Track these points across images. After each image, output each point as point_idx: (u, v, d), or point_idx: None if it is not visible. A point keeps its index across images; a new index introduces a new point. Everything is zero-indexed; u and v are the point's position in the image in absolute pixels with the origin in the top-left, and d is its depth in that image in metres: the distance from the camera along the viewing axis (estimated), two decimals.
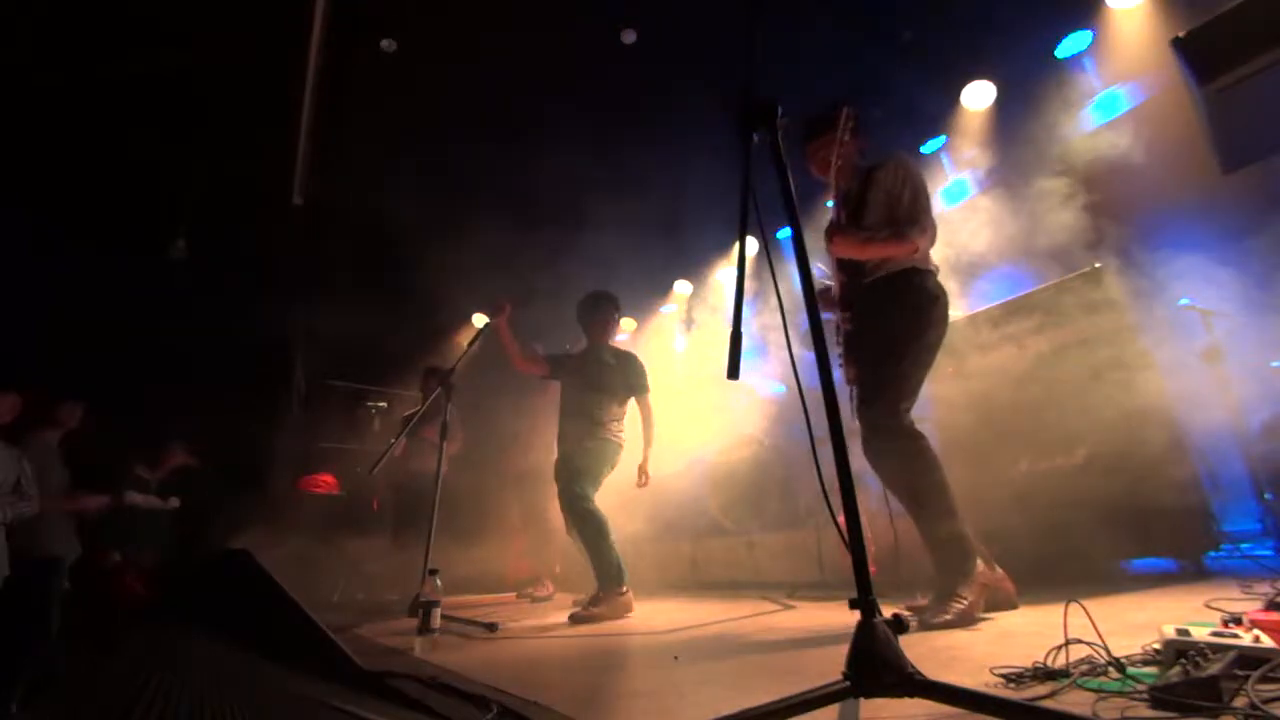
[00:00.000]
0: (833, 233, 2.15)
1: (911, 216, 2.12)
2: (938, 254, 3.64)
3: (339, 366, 6.30)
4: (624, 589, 2.95)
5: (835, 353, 2.29)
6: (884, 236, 2.11)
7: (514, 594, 4.61)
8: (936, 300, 2.14)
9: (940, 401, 3.01)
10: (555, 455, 3.46)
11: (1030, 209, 3.85)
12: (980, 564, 1.93)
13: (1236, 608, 1.40)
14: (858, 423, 2.18)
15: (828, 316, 2.38)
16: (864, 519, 1.06)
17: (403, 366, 6.21)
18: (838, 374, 2.00)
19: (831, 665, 0.98)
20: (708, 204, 4.88)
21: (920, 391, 2.13)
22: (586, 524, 3.09)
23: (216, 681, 0.80)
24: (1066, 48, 4.07)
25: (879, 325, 2.12)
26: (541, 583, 4.40)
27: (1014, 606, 1.97)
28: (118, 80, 3.92)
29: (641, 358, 3.66)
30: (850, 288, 2.23)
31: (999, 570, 2.00)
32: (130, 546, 4.00)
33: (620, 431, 3.46)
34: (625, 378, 3.51)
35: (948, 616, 1.79)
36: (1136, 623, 1.54)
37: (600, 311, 3.59)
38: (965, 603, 1.82)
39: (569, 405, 3.49)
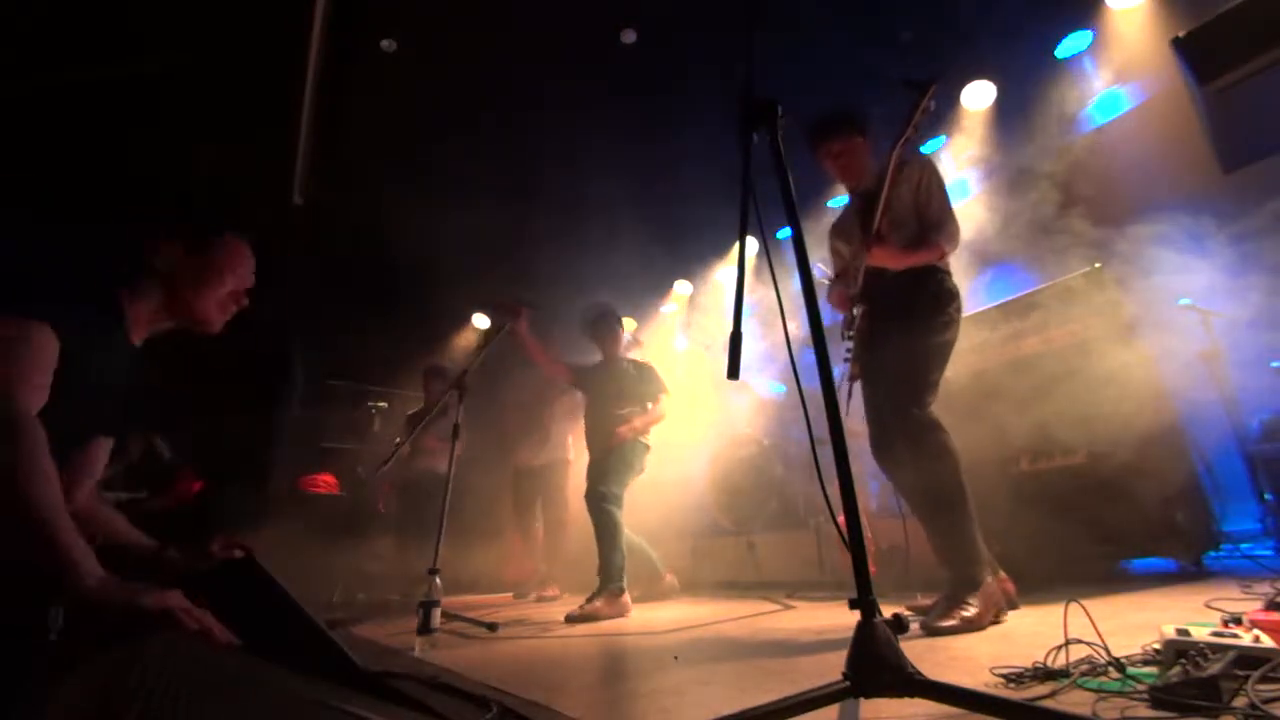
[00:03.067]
0: (873, 245, 2.10)
1: (940, 221, 2.14)
2: None
3: (339, 366, 6.31)
4: (622, 591, 3.02)
5: (844, 346, 2.28)
6: (920, 249, 2.12)
7: (510, 594, 4.62)
8: (954, 299, 2.16)
9: (939, 401, 3.01)
10: (569, 461, 3.67)
11: (1030, 209, 3.85)
12: (989, 576, 1.89)
13: (1236, 608, 1.40)
14: (860, 421, 2.17)
15: (838, 318, 2.37)
16: (864, 519, 1.06)
17: (403, 366, 6.21)
18: (838, 371, 1.98)
19: (831, 665, 0.98)
20: (708, 204, 4.88)
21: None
22: (603, 523, 3.22)
23: (215, 681, 0.80)
24: (1066, 48, 4.07)
25: (902, 324, 2.09)
26: (548, 583, 4.41)
27: (1014, 606, 1.95)
28: (118, 80, 3.92)
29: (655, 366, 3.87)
30: (869, 283, 2.20)
31: (1001, 574, 1.98)
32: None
33: (646, 435, 3.57)
34: (645, 385, 3.68)
35: (953, 623, 1.75)
36: (1136, 623, 1.54)
37: (608, 326, 3.76)
38: (973, 611, 1.79)
39: (596, 412, 3.63)
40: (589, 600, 2.92)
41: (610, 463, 3.39)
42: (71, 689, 0.71)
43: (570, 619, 2.79)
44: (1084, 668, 1.13)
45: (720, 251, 6.16)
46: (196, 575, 1.27)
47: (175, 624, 0.94)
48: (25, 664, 0.82)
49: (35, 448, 0.98)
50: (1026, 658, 1.19)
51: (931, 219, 2.15)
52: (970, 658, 1.41)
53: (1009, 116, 4.32)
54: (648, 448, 3.56)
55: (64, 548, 0.95)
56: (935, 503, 1.99)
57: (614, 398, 3.59)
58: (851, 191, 2.42)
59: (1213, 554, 2.38)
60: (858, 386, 2.27)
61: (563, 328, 3.62)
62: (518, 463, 4.87)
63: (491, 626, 2.58)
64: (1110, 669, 1.10)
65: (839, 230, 2.45)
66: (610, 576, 3.05)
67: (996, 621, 1.82)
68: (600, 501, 3.26)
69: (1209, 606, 1.61)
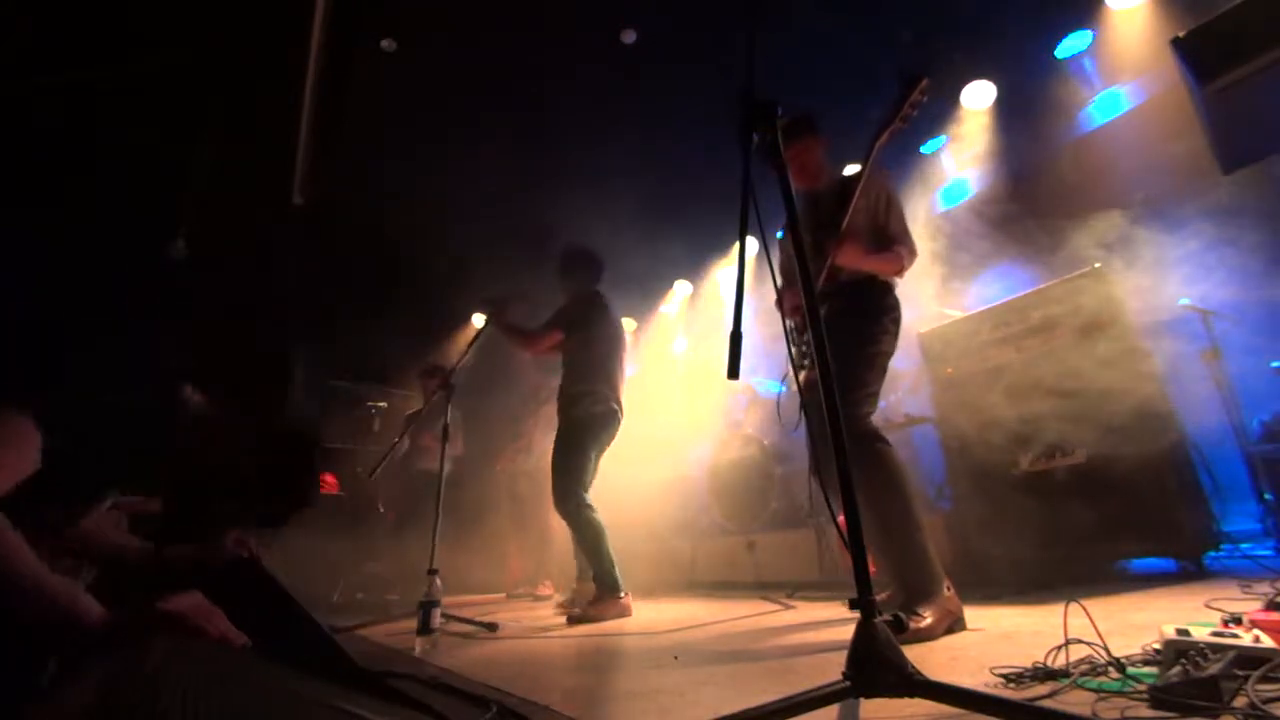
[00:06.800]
0: (844, 240, 2.06)
1: (899, 235, 2.17)
2: (927, 255, 3.62)
3: (339, 366, 6.30)
4: (622, 595, 2.92)
5: (796, 354, 2.24)
6: (883, 254, 2.13)
7: (504, 594, 4.63)
8: (892, 310, 2.18)
9: (940, 402, 3.01)
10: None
11: (1030, 208, 3.85)
12: (945, 589, 1.81)
13: (1236, 608, 1.40)
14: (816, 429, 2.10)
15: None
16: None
17: (403, 366, 6.21)
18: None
19: (831, 665, 0.98)
20: (708, 204, 4.88)
21: (880, 399, 2.11)
22: (579, 531, 2.96)
23: (217, 680, 0.80)
24: (1066, 48, 4.08)
25: (842, 329, 2.03)
26: (542, 582, 4.41)
27: (963, 627, 1.81)
28: (118, 80, 3.92)
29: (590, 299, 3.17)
30: (825, 289, 2.17)
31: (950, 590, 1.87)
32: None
33: (607, 396, 3.02)
34: (567, 318, 3.01)
35: (902, 634, 1.65)
36: (1136, 623, 1.54)
37: (567, 270, 3.18)
38: (925, 622, 1.69)
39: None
40: (590, 604, 2.87)
41: (559, 453, 3.00)
42: (77, 690, 0.71)
43: (572, 620, 2.77)
44: (1084, 668, 1.13)
45: (720, 251, 6.16)
46: (202, 575, 1.27)
47: (193, 631, 0.93)
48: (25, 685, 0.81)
49: None
50: (1026, 658, 1.19)
51: (890, 233, 2.17)
52: (970, 658, 1.42)
53: (1009, 116, 4.32)
54: (614, 414, 3.03)
55: (56, 603, 0.91)
56: (880, 516, 1.90)
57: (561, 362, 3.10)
58: (805, 191, 2.39)
59: (1213, 554, 2.38)
60: None
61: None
62: (506, 467, 4.89)
63: (492, 627, 2.58)
64: (1110, 669, 1.10)
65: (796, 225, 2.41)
66: (605, 585, 2.90)
67: (950, 632, 1.75)
68: (566, 509, 2.96)
69: (1209, 606, 1.61)
